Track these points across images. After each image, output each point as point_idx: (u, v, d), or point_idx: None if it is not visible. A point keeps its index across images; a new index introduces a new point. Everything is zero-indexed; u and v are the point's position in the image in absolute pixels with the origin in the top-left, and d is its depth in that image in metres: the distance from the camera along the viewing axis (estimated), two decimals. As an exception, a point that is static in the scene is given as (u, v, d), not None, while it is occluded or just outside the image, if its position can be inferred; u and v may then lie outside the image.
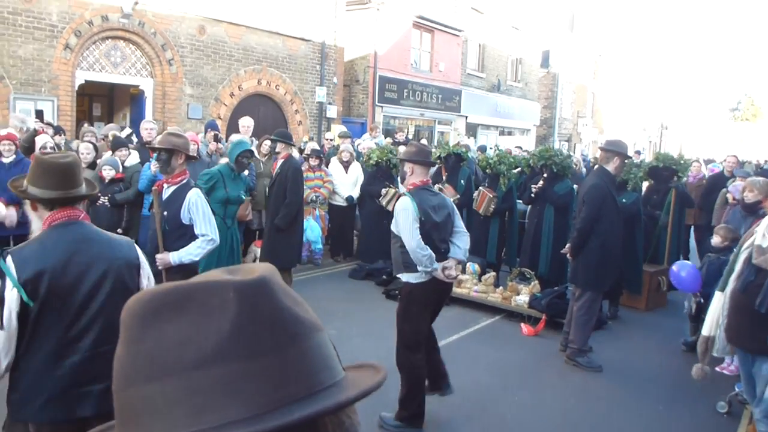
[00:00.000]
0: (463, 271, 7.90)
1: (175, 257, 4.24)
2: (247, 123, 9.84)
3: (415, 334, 4.48)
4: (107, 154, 7.69)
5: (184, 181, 4.43)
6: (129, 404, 0.67)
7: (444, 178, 8.97)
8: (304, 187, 9.15)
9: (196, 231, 4.29)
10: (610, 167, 5.85)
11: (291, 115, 14.86)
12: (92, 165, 7.30)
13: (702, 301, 6.24)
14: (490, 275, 7.91)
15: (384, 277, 8.49)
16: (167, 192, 4.43)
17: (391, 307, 7.29)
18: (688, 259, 8.88)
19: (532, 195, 8.02)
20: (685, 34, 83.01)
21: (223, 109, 13.11)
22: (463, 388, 4.97)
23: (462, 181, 9.00)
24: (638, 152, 19.63)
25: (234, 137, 8.96)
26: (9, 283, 2.34)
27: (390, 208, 8.44)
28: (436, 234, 4.41)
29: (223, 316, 0.65)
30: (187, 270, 4.33)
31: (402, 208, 4.35)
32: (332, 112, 15.77)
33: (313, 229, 9.12)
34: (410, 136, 16.68)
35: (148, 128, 8.25)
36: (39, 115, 9.61)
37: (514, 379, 5.64)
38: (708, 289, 6.09)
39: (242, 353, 0.64)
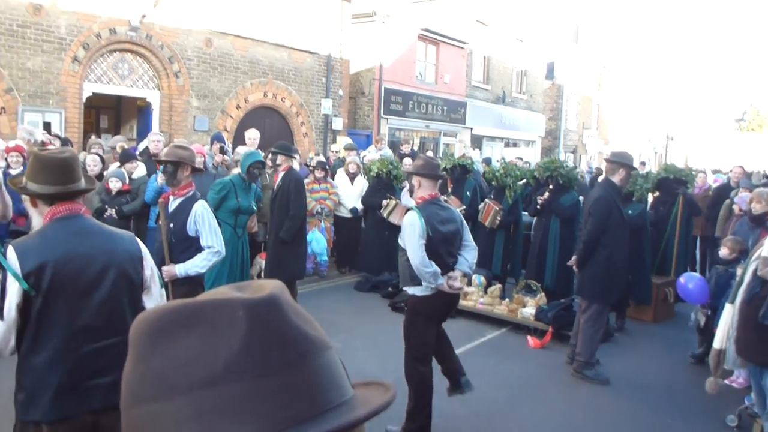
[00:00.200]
0: (469, 284, 7.87)
1: (181, 269, 4.24)
2: (253, 135, 9.87)
3: (422, 346, 4.47)
4: (114, 166, 7.73)
5: (190, 194, 4.44)
6: (137, 422, 0.66)
7: (449, 189, 8.97)
8: (310, 199, 9.19)
9: (202, 243, 4.29)
10: (616, 179, 5.84)
11: (297, 127, 14.91)
12: (99, 177, 7.34)
13: (709, 312, 6.21)
14: (496, 287, 7.88)
15: (390, 289, 8.48)
16: (173, 204, 4.44)
17: (397, 319, 7.27)
18: (695, 271, 8.84)
19: (538, 207, 8.00)
20: (690, 45, 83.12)
21: (229, 122, 13.16)
22: (469, 401, 4.94)
23: (468, 193, 9.01)
24: (643, 163, 19.59)
25: (240, 149, 8.99)
26: (10, 275, 2.33)
27: (392, 219, 8.45)
28: (444, 248, 4.39)
29: (232, 334, 0.64)
30: (193, 282, 4.34)
31: (409, 223, 4.35)
32: (338, 124, 15.81)
33: (318, 241, 9.13)
34: (416, 148, 16.69)
35: (155, 140, 8.29)
36: (47, 127, 9.68)
37: (520, 392, 5.61)
38: (716, 302, 6.06)
39: (251, 372, 0.63)
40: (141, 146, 9.24)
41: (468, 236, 4.65)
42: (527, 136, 26.28)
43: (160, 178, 6.38)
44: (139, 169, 7.62)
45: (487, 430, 4.85)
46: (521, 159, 15.02)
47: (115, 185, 7.02)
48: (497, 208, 8.36)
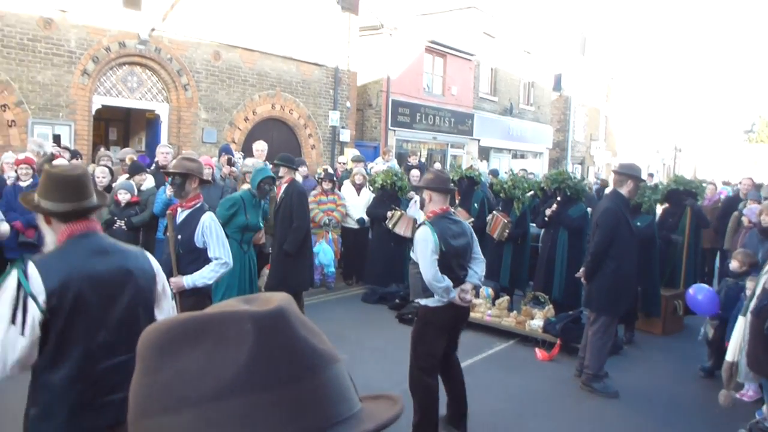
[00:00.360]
0: (477, 295, 7.84)
1: (188, 281, 4.25)
2: (261, 147, 9.91)
3: (429, 357, 4.46)
4: (123, 178, 7.77)
5: (198, 205, 4.45)
6: (145, 435, 0.66)
7: (457, 201, 8.96)
8: (318, 210, 9.20)
9: (210, 254, 4.30)
10: (624, 190, 5.82)
11: (304, 139, 14.97)
12: (108, 188, 7.39)
13: (718, 322, 6.16)
14: (504, 299, 7.84)
15: (397, 301, 8.46)
16: (181, 216, 4.46)
17: (405, 331, 7.26)
18: (704, 283, 8.78)
19: (546, 219, 7.98)
20: (699, 56, 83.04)
21: (237, 134, 13.22)
22: (476, 414, 4.91)
23: (475, 205, 9.00)
24: (651, 175, 19.53)
25: (248, 161, 9.02)
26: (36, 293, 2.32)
27: (397, 230, 8.45)
28: (455, 261, 4.43)
29: (240, 347, 0.64)
30: (200, 293, 4.35)
31: (422, 238, 4.36)
32: (345, 136, 15.86)
33: (326, 252, 9.13)
34: (423, 160, 16.71)
35: (164, 152, 8.34)
36: (56, 139, 9.76)
37: (528, 405, 5.57)
38: (725, 314, 6.02)
39: (259, 385, 0.63)
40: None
41: (477, 249, 4.68)
42: (535, 147, 26.28)
43: (168, 190, 6.40)
44: (148, 181, 7.67)
45: (495, 443, 4.81)
46: (525, 170, 15.01)
47: (124, 197, 7.05)
48: (506, 221, 8.34)
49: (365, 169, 10.85)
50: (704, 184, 9.49)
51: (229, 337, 0.65)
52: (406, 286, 8.63)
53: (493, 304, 7.82)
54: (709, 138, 46.50)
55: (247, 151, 11.42)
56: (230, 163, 9.15)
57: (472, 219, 8.41)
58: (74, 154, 8.64)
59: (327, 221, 9.25)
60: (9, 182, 6.93)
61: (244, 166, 8.77)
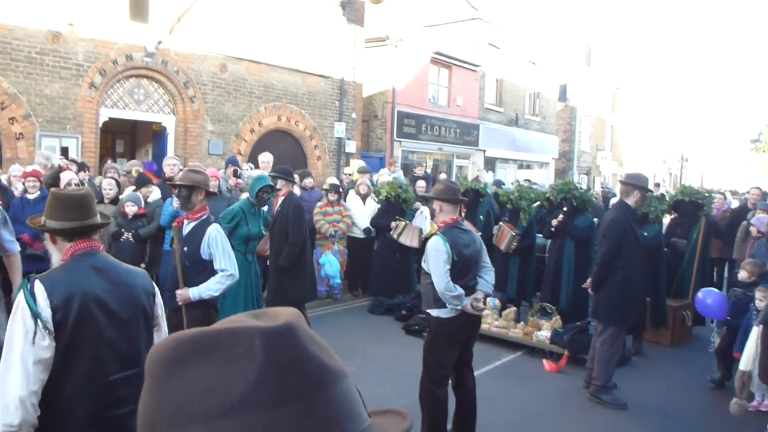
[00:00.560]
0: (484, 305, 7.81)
1: (194, 292, 4.25)
2: (266, 159, 9.93)
3: (439, 368, 4.46)
4: (129, 190, 7.79)
5: (204, 217, 4.46)
6: (152, 452, 0.66)
7: (462, 214, 8.94)
8: (324, 221, 9.21)
9: (216, 266, 4.30)
10: (631, 201, 5.80)
11: (310, 150, 15.00)
12: (114, 201, 7.41)
13: (726, 330, 6.12)
14: (511, 310, 7.81)
15: (403, 312, 8.44)
16: (187, 228, 4.47)
17: (411, 343, 7.24)
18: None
19: (553, 229, 7.96)
20: (705, 66, 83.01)
21: (243, 145, 13.27)
22: (484, 426, 4.88)
23: (481, 217, 8.99)
24: (657, 185, 19.49)
25: (252, 173, 9.04)
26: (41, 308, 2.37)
27: (402, 240, 8.43)
28: (466, 270, 4.47)
29: (249, 363, 0.64)
30: (206, 305, 4.35)
31: (434, 248, 4.38)
32: (351, 147, 15.89)
33: (332, 263, 9.13)
34: (429, 171, 16.72)
35: (171, 164, 8.36)
36: (64, 152, 9.81)
37: (536, 417, 5.53)
38: (734, 322, 5.98)
39: (268, 401, 0.63)
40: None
41: (486, 257, 4.72)
42: (540, 158, 26.27)
43: (175, 202, 6.41)
44: (155, 193, 7.68)
45: (503, 456, 4.78)
46: (529, 180, 15.01)
47: (131, 209, 7.07)
48: (513, 233, 8.31)
49: (371, 180, 10.86)
50: (713, 194, 9.44)
51: (237, 352, 0.65)
52: (413, 297, 8.63)
53: (500, 315, 7.79)
54: (715, 147, 46.42)
55: (253, 163, 11.44)
56: (236, 174, 9.17)
57: (480, 232, 8.39)
58: (81, 167, 8.67)
59: (333, 232, 9.25)
60: (17, 194, 6.97)
61: (251, 178, 8.77)
